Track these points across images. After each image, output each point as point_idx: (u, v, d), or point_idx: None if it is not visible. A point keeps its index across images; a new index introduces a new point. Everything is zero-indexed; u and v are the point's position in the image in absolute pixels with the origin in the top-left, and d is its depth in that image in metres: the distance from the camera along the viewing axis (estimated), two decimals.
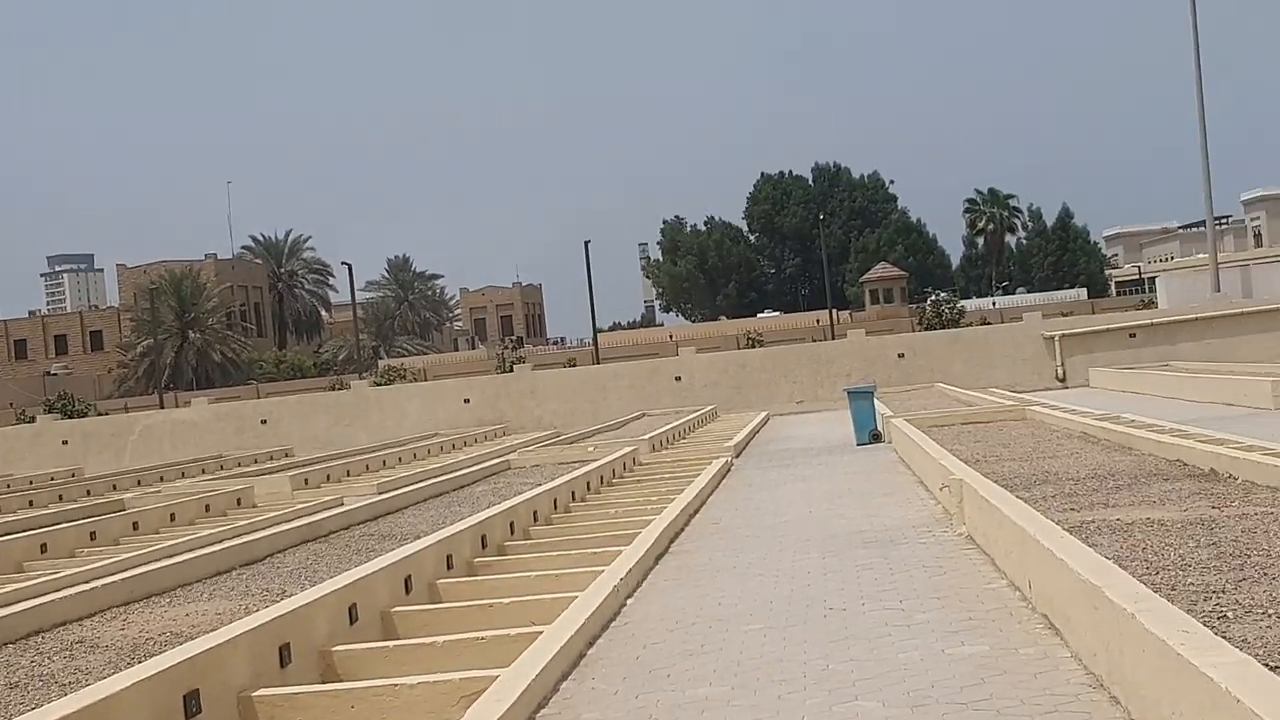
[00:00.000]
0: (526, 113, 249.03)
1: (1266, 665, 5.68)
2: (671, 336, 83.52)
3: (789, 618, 9.16)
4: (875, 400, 26.08)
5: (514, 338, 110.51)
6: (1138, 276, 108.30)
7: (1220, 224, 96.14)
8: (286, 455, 39.54)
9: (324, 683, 8.59)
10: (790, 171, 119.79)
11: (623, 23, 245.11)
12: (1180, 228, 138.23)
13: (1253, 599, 7.11)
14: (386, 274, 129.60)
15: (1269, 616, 6.69)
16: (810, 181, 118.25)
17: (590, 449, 25.27)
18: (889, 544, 12.01)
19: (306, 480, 25.95)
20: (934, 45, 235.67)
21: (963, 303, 75.66)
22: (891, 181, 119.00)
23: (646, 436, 26.15)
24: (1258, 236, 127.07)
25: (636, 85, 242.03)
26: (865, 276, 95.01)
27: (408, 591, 11.03)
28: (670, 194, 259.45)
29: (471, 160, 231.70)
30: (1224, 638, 5.76)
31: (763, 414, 36.46)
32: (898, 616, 8.81)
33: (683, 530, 14.32)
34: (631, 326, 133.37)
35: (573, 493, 17.89)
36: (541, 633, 8.58)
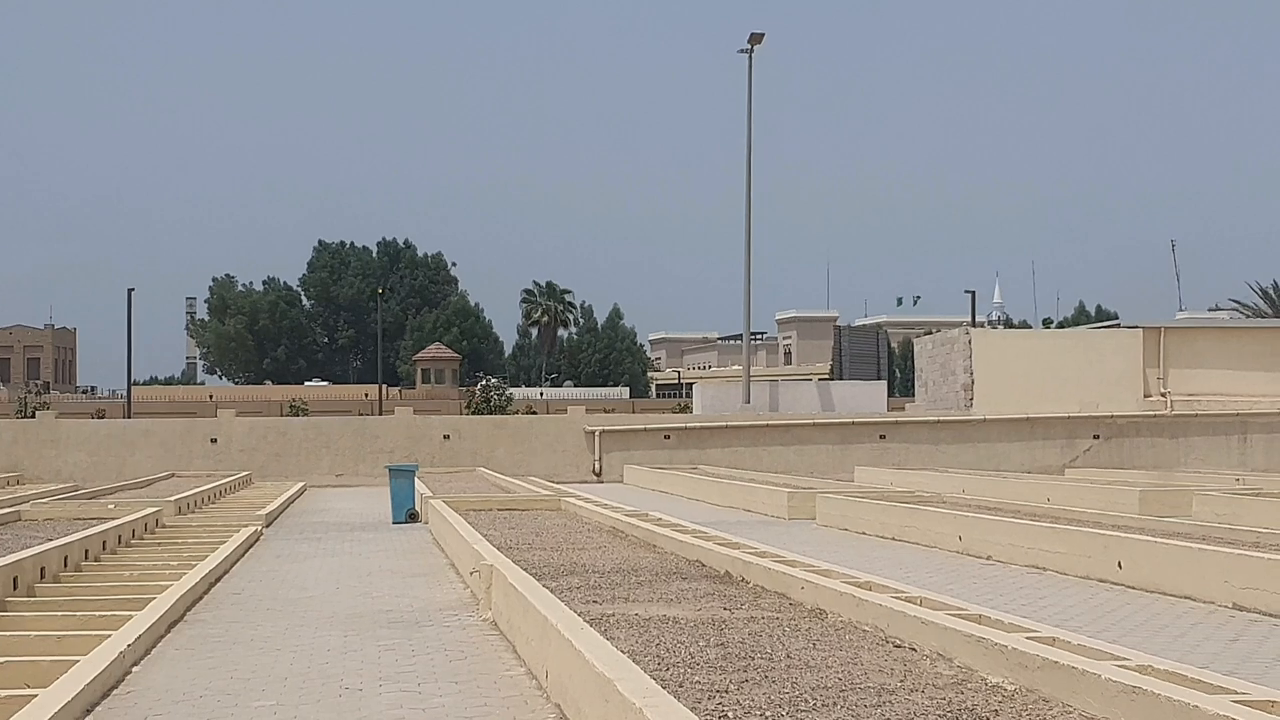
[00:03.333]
0: (74, 149, 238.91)
1: None
2: (211, 396, 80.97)
3: (303, 695, 8.93)
4: (416, 480, 26.03)
5: (40, 382, 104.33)
6: (677, 381, 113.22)
7: (755, 340, 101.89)
8: None
9: None
10: (353, 242, 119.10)
11: (186, 71, 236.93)
12: (720, 339, 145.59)
13: (752, 700, 7.44)
14: None
15: (765, 717, 7.02)
16: (373, 254, 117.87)
17: (111, 506, 23.98)
18: (414, 625, 11.94)
19: None
20: (506, 135, 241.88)
21: (511, 390, 76.98)
22: (454, 264, 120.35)
23: (174, 498, 25.08)
24: (788, 354, 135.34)
25: (197, 133, 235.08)
26: (418, 355, 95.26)
27: None
28: (227, 250, 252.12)
29: (10, 193, 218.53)
30: None
31: (300, 484, 35.71)
32: (414, 699, 8.74)
33: (202, 598, 13.77)
34: (170, 382, 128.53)
35: (86, 551, 16.88)
36: (35, 696, 8.02)
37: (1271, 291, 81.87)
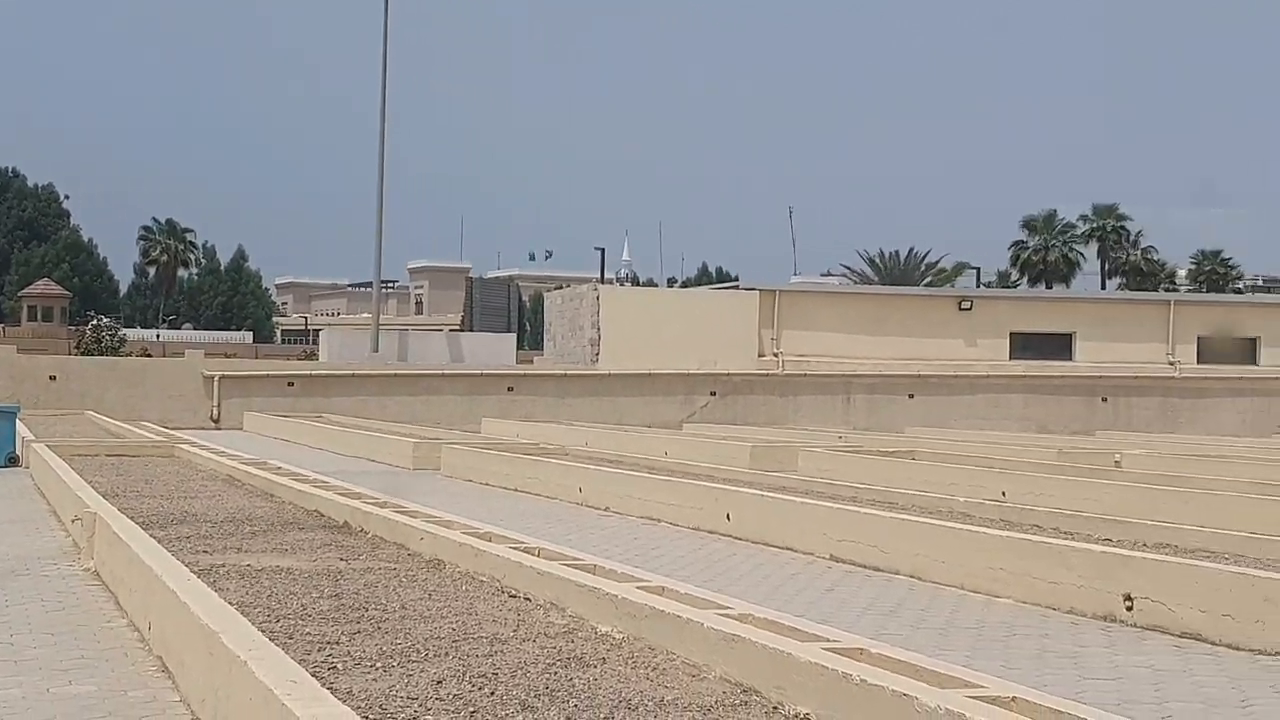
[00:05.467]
0: None
1: (364, 716, 5.92)
2: None
3: None
4: (18, 422, 24.65)
5: None
6: (304, 327, 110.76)
7: (386, 288, 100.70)
8: None
9: None
10: None
11: None
12: (350, 286, 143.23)
13: (363, 651, 7.38)
14: None
15: (375, 669, 6.97)
16: None
17: None
18: (8, 575, 11.33)
19: None
20: (128, 62, 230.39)
21: (126, 331, 73.70)
22: (67, 197, 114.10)
23: None
24: (419, 304, 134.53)
25: None
26: (24, 291, 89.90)
27: None
28: None
29: None
30: (330, 688, 5.92)
31: None
32: (6, 651, 8.31)
33: None
34: None
35: None
36: None
37: (878, 260, 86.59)
